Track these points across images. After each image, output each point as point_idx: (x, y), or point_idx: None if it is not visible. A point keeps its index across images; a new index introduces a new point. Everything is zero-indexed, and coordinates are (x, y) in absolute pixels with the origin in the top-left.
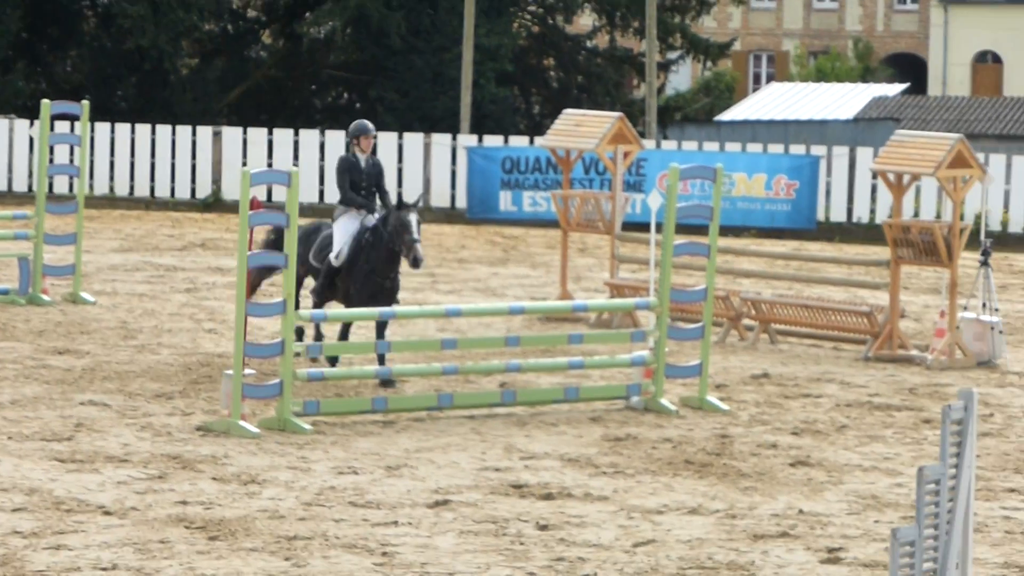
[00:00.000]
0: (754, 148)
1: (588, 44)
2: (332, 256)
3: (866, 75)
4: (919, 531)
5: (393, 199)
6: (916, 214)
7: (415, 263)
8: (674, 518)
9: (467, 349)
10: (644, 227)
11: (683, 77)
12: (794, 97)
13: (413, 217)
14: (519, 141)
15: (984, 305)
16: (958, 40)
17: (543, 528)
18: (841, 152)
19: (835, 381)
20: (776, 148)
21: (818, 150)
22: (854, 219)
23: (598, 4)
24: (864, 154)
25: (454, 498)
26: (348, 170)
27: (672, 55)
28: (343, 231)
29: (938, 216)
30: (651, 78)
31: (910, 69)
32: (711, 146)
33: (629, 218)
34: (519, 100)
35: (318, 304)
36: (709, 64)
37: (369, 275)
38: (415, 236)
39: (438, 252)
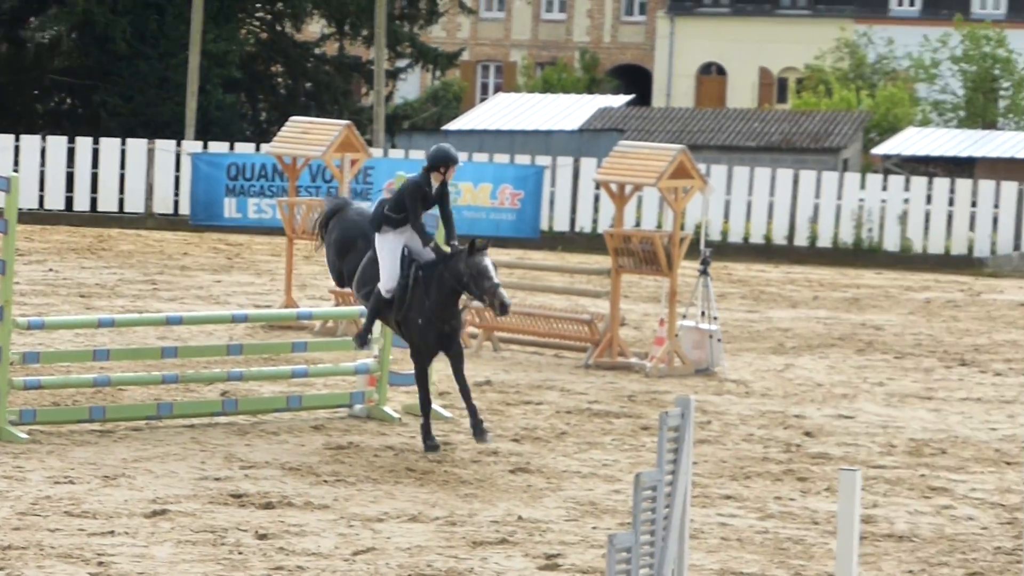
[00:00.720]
0: (480, 158)
1: (317, 51)
2: (381, 288)
3: (592, 86)
4: (636, 537)
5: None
6: (638, 224)
7: (503, 309)
8: (394, 526)
9: (188, 358)
10: None
11: (411, 86)
12: (521, 107)
13: (488, 260)
14: (245, 148)
15: (703, 313)
16: (683, 52)
17: (262, 537)
18: (565, 162)
19: (556, 388)
20: (502, 158)
21: (543, 160)
22: (577, 228)
23: (327, 11)
24: (588, 164)
25: (172, 508)
26: (422, 197)
27: (401, 64)
28: (389, 255)
29: (659, 226)
30: (379, 86)
31: (636, 80)
32: None
33: None
34: (246, 106)
35: (369, 329)
36: (438, 73)
37: (430, 320)
38: (495, 280)
39: (160, 259)
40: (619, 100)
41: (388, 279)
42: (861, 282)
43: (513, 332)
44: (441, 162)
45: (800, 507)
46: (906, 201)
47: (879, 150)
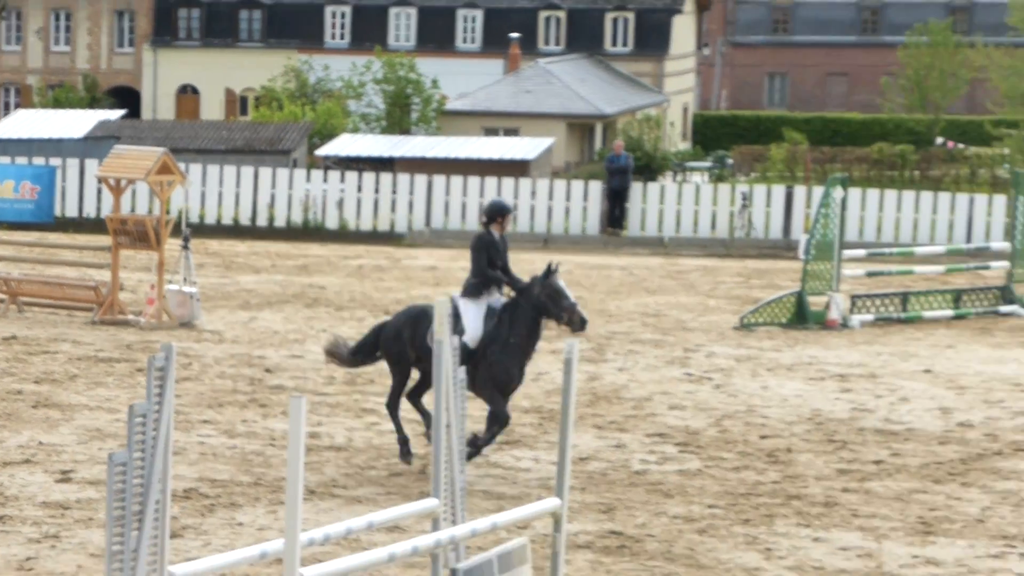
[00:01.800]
0: (4, 160)
1: None
2: (466, 339)
3: (93, 103)
4: (130, 455)
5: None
6: (133, 210)
7: (582, 325)
8: None
9: None
10: None
11: None
12: (37, 121)
13: (562, 282)
14: None
15: (185, 279)
16: (165, 76)
17: None
18: (73, 163)
19: (69, 341)
20: (22, 160)
21: (55, 161)
22: (85, 214)
23: None
24: (91, 164)
25: None
26: (487, 248)
27: None
28: (471, 313)
29: (150, 211)
30: None
31: (128, 99)
32: None
33: None
34: None
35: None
36: None
37: (515, 348)
38: (572, 300)
39: None
40: (115, 114)
41: (471, 331)
42: (308, 253)
43: (34, 296)
44: (497, 213)
45: (262, 428)
46: (342, 191)
47: (320, 152)
